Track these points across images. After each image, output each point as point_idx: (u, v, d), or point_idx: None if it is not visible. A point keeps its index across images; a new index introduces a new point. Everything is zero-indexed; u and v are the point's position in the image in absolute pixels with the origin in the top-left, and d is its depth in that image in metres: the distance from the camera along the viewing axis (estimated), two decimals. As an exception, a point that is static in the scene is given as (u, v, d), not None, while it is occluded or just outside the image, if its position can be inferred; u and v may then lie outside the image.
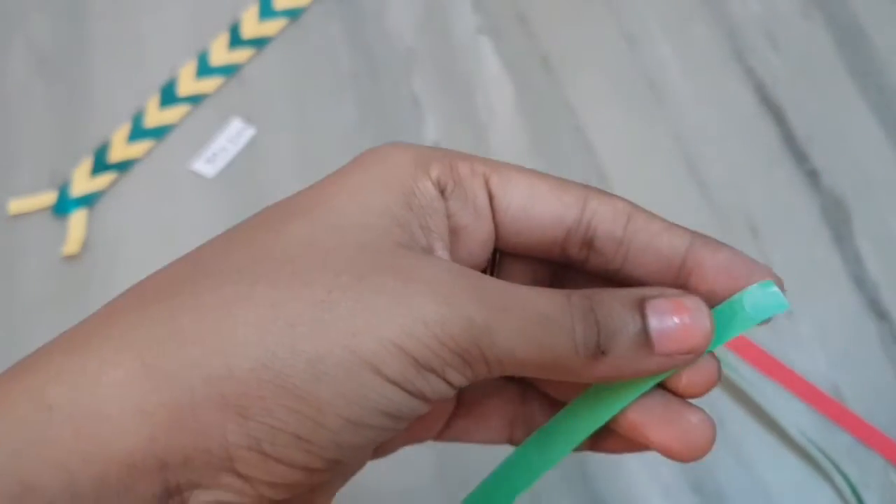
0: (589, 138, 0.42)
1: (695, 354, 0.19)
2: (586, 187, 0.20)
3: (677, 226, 0.20)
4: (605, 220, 0.20)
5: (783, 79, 0.43)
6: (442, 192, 0.20)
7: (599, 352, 0.18)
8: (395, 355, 0.17)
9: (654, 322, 0.18)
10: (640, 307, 0.18)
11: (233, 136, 0.43)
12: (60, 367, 0.17)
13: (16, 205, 0.42)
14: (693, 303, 0.19)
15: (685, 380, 0.20)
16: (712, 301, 0.19)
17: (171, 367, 0.16)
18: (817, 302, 0.38)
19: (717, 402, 0.36)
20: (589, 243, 0.20)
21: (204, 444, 0.16)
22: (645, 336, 0.18)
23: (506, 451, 0.34)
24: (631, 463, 0.35)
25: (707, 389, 0.20)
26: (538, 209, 0.20)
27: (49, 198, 0.42)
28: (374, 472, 0.35)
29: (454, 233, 0.20)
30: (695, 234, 0.20)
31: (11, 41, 0.47)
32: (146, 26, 0.47)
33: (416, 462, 0.35)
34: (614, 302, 0.19)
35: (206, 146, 0.43)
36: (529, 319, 0.18)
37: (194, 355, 0.16)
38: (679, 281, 0.20)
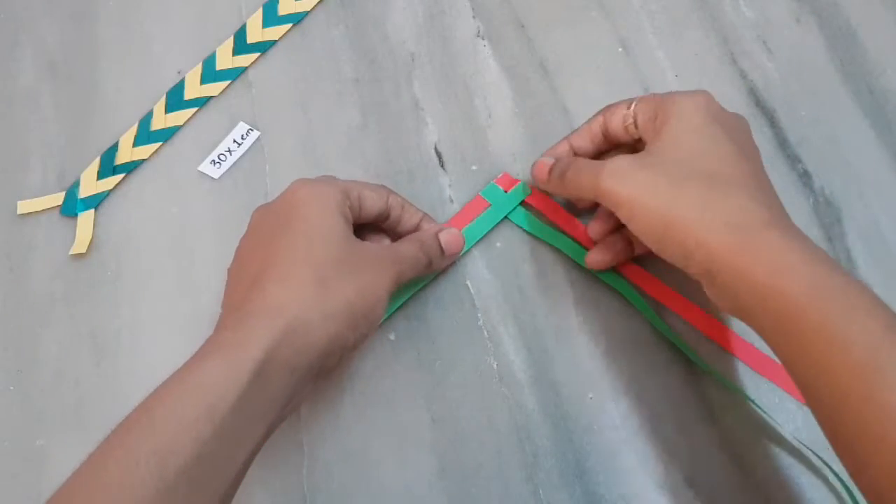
0: (586, 140, 0.43)
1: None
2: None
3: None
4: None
5: (776, 82, 0.44)
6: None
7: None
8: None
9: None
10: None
11: (238, 139, 0.44)
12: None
13: (24, 205, 0.43)
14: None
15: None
16: None
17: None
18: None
19: (712, 398, 0.37)
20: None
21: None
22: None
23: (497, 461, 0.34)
24: (627, 458, 0.35)
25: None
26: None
27: (57, 198, 0.43)
28: (376, 471, 0.36)
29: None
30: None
31: (21, 45, 0.47)
32: (153, 31, 0.47)
33: (416, 462, 0.36)
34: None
35: (211, 148, 0.43)
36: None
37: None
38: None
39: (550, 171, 0.37)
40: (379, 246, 0.35)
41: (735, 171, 0.32)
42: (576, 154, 0.39)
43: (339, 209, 0.33)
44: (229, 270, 0.35)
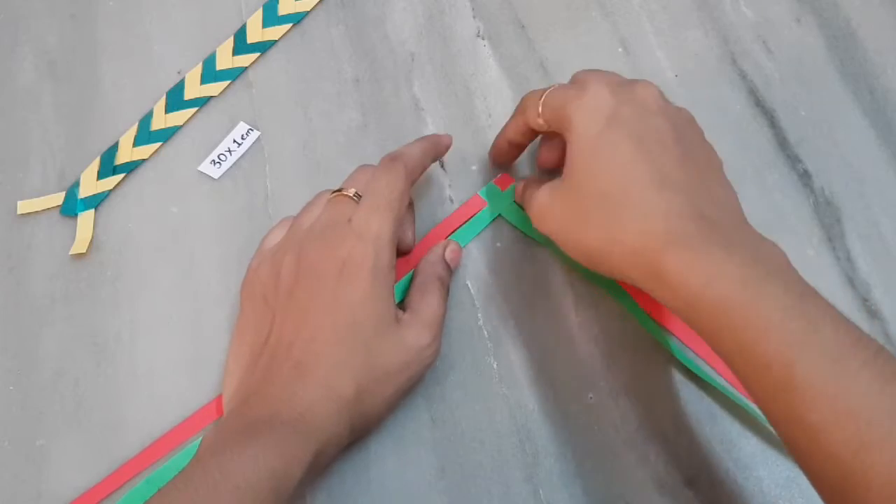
0: (586, 140, 0.43)
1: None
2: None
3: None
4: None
5: (776, 82, 0.44)
6: None
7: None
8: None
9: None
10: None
11: (238, 139, 0.44)
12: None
13: (24, 205, 0.43)
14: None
15: None
16: None
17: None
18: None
19: (712, 398, 0.37)
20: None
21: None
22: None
23: (497, 450, 0.34)
24: (627, 458, 0.35)
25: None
26: None
27: (57, 198, 0.43)
28: (376, 471, 0.36)
29: None
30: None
31: (21, 44, 0.47)
32: (153, 31, 0.47)
33: (416, 462, 0.36)
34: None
35: (211, 148, 0.43)
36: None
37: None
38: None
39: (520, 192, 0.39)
40: (412, 322, 0.34)
41: (630, 183, 0.30)
42: (510, 146, 0.39)
43: (391, 269, 0.34)
44: (248, 283, 0.37)
